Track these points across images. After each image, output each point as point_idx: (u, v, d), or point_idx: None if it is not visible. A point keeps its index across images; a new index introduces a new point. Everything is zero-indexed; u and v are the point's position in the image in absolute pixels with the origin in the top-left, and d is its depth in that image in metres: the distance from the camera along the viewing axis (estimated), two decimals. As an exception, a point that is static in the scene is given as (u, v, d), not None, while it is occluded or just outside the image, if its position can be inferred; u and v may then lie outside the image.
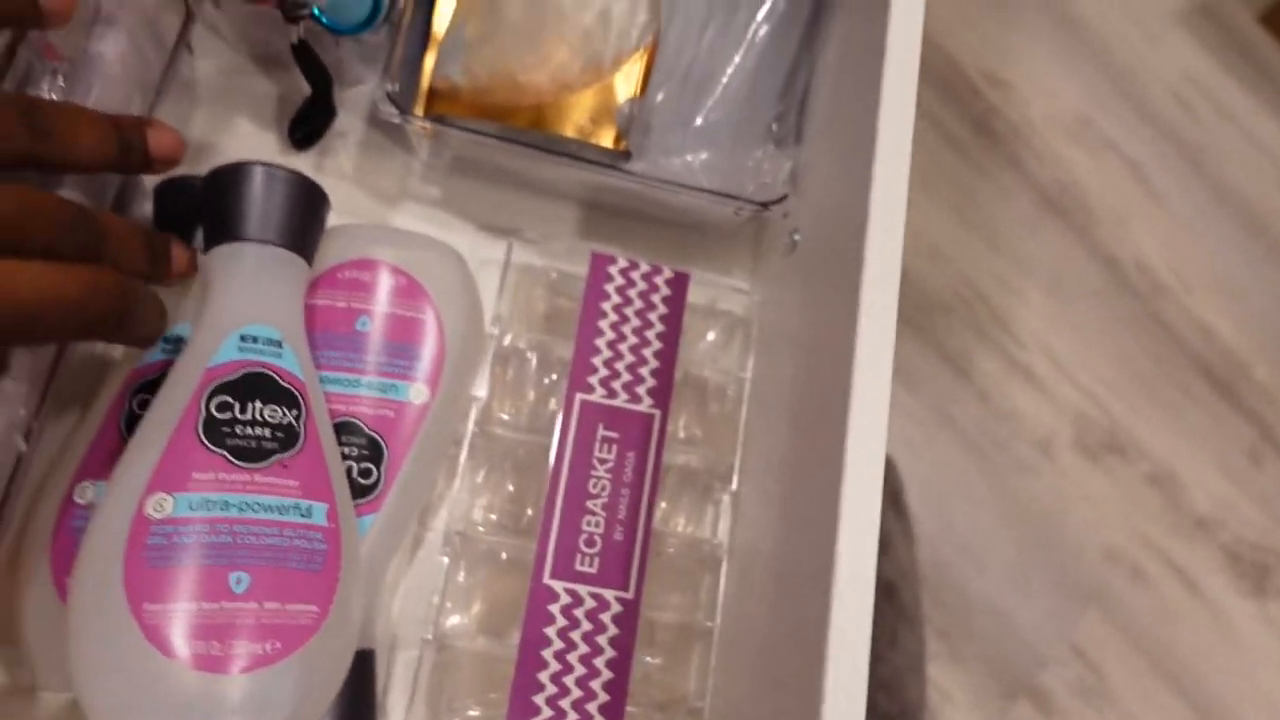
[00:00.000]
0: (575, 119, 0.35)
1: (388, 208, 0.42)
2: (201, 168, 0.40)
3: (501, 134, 0.36)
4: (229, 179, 0.32)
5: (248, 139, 0.41)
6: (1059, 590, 0.74)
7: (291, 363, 0.31)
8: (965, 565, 0.73)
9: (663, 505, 0.38)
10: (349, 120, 0.42)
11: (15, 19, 0.28)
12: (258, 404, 0.29)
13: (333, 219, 0.35)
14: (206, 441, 0.28)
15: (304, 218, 0.33)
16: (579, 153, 0.36)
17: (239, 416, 0.29)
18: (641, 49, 0.36)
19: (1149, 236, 0.84)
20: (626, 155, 0.36)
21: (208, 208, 0.32)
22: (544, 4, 0.35)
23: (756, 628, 0.35)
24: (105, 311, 0.27)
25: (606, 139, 0.36)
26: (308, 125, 0.41)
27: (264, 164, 0.32)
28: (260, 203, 0.32)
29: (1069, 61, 0.88)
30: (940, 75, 0.84)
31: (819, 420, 0.33)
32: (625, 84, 0.36)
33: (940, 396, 0.77)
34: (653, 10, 0.36)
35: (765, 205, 0.39)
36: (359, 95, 0.42)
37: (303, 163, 0.41)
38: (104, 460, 0.32)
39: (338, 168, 0.42)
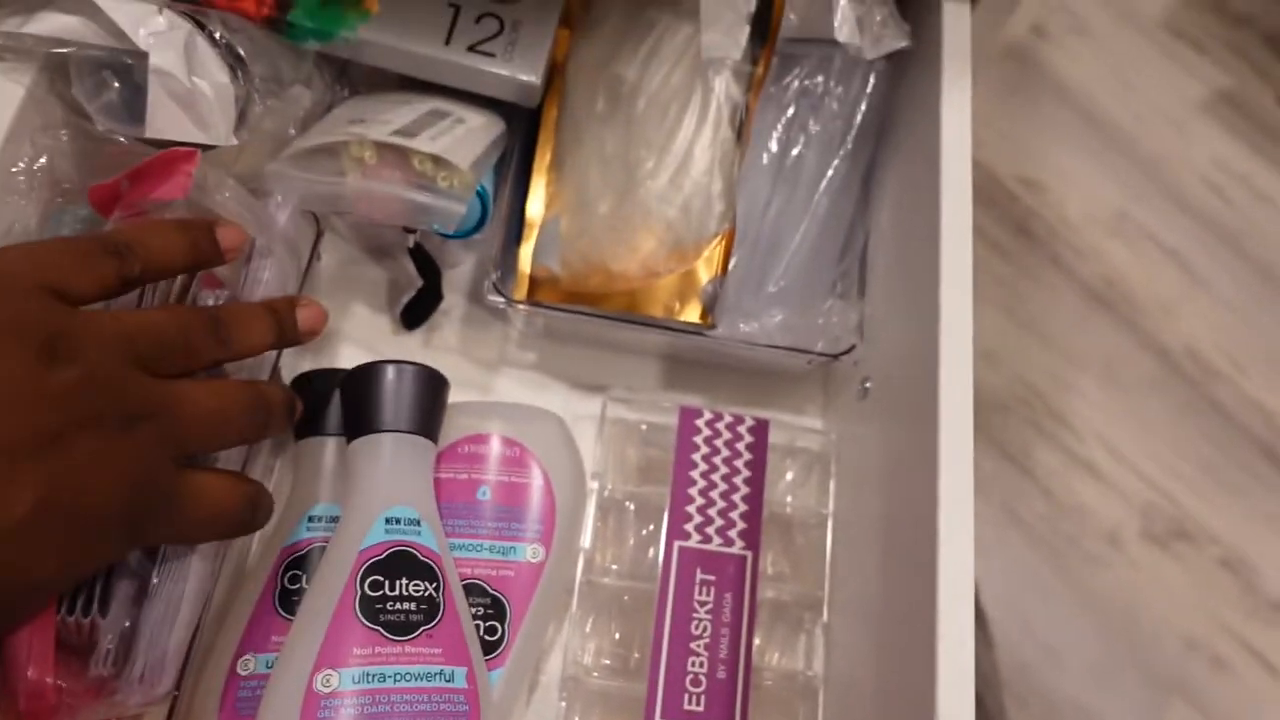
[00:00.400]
0: (664, 300, 0.40)
1: (490, 374, 0.46)
2: (327, 352, 0.45)
3: (598, 316, 0.40)
4: (364, 378, 0.36)
5: (364, 323, 0.46)
6: (1142, 683, 0.74)
7: (429, 539, 0.35)
8: (1045, 664, 0.74)
9: (757, 641, 0.41)
10: (452, 298, 0.47)
11: (205, 263, 0.33)
12: (404, 580, 0.33)
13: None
14: (363, 619, 0.32)
15: (430, 404, 0.37)
16: (668, 325, 0.41)
17: (389, 593, 0.33)
18: (720, 235, 0.40)
19: (1197, 323, 0.86)
20: (711, 327, 0.40)
21: (347, 404, 0.37)
22: (632, 200, 0.40)
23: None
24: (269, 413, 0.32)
25: (693, 315, 0.40)
26: (418, 310, 0.45)
27: (393, 362, 0.37)
28: (392, 396, 0.36)
29: (1100, 158, 0.91)
30: (977, 185, 0.87)
31: (907, 553, 0.36)
32: (707, 266, 0.40)
33: (1005, 496, 0.78)
34: (728, 200, 0.40)
35: (836, 356, 0.43)
36: (459, 275, 0.47)
37: (413, 339, 0.46)
38: (263, 634, 0.36)
39: (444, 342, 0.47)
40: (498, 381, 0.46)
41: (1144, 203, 0.89)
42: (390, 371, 0.36)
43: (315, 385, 0.39)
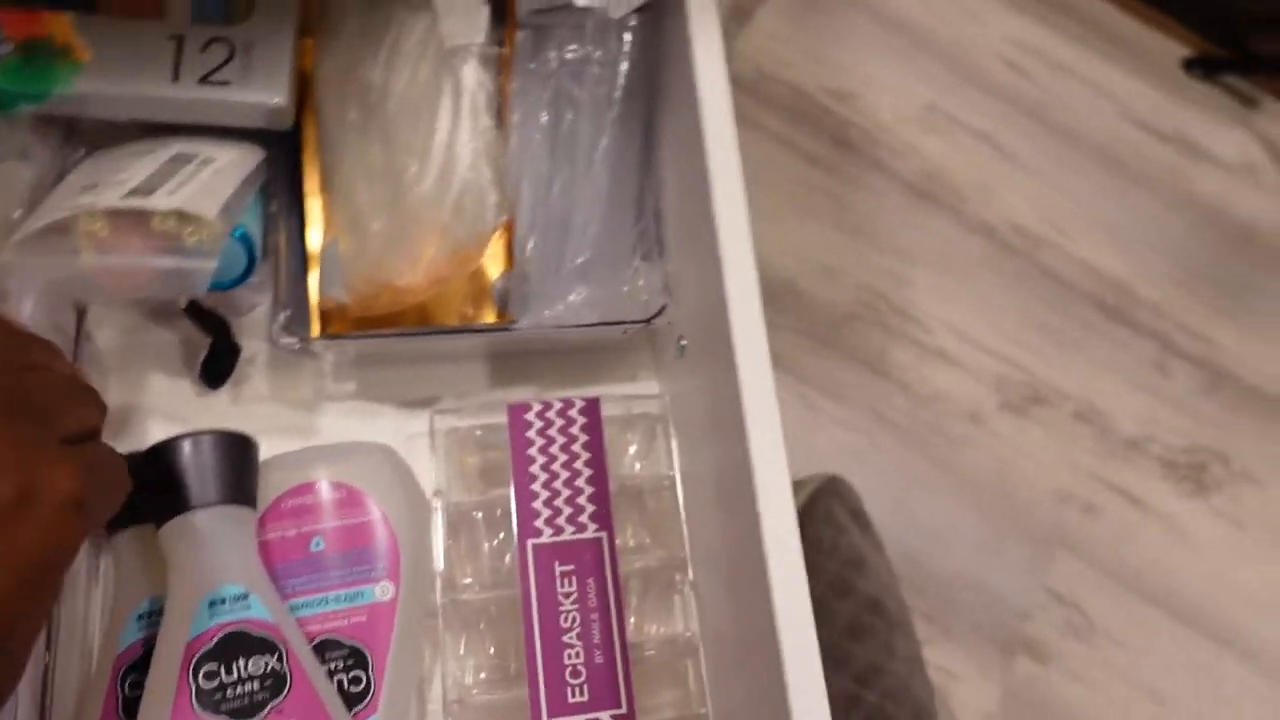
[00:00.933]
0: (456, 306, 0.39)
1: (311, 414, 0.44)
2: (133, 432, 0.43)
3: (395, 335, 0.39)
4: (160, 458, 0.34)
5: (165, 392, 0.44)
6: (1024, 544, 0.79)
7: (260, 610, 0.33)
8: (934, 548, 0.77)
9: (631, 620, 0.41)
10: (254, 345, 0.44)
11: None
12: (241, 662, 0.32)
13: (262, 438, 0.37)
14: (203, 713, 0.31)
15: (238, 469, 0.35)
16: (467, 330, 0.40)
17: (226, 680, 0.31)
18: (498, 227, 0.39)
19: (1015, 197, 0.90)
20: (511, 324, 0.39)
21: (147, 490, 0.35)
22: (402, 211, 0.38)
23: (738, 704, 0.38)
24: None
25: (489, 316, 0.39)
26: (217, 367, 0.43)
27: (188, 435, 0.35)
28: (194, 471, 0.34)
29: (902, 57, 0.93)
30: (789, 105, 0.89)
31: (734, 497, 0.37)
32: (494, 263, 0.39)
33: (869, 400, 0.81)
34: (500, 190, 0.39)
35: (648, 321, 0.43)
36: (257, 318, 0.45)
37: (221, 398, 0.44)
38: (110, 746, 0.34)
39: (255, 392, 0.44)
40: (321, 421, 0.44)
41: (950, 92, 0.92)
42: (186, 446, 0.34)
43: (132, 467, 0.37)
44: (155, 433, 0.43)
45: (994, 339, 0.85)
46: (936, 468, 0.80)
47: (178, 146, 0.40)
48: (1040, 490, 0.81)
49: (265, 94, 0.39)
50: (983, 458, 0.81)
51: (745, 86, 0.88)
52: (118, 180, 0.38)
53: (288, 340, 0.39)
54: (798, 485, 0.72)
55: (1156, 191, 0.94)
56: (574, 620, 0.39)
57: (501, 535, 0.42)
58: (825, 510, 0.69)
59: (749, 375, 0.36)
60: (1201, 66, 0.97)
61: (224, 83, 0.39)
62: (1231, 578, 0.80)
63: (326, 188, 0.41)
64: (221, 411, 0.44)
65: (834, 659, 0.64)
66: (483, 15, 0.38)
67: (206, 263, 0.35)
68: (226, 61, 0.39)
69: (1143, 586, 0.78)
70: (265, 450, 0.40)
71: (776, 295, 0.83)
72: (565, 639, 0.39)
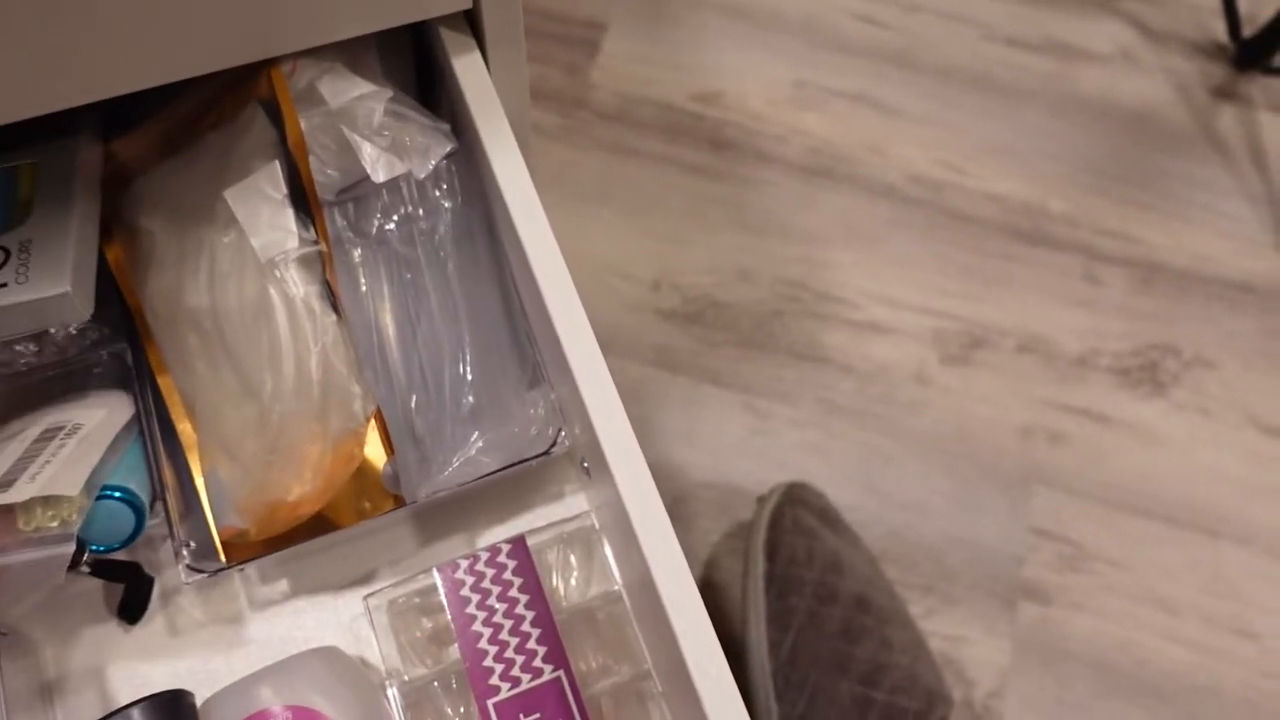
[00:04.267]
0: (353, 505, 0.38)
1: (248, 625, 0.44)
2: (80, 696, 0.43)
3: (303, 543, 0.39)
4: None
5: (99, 644, 0.43)
6: (1000, 490, 0.79)
7: None
8: (914, 519, 0.78)
9: (609, 748, 0.41)
10: (174, 573, 0.44)
11: None
12: None
13: (205, 662, 0.37)
14: None
15: (175, 732, 0.35)
16: (374, 517, 0.39)
17: None
18: (369, 417, 0.39)
19: (907, 149, 0.90)
20: (412, 502, 0.39)
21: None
22: (270, 427, 0.38)
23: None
24: None
25: (387, 505, 0.39)
26: (133, 603, 0.43)
27: (113, 715, 0.34)
28: (130, 751, 0.34)
29: (758, 43, 0.92)
30: (661, 122, 0.88)
31: (652, 607, 0.37)
32: (376, 452, 0.39)
33: (814, 392, 0.81)
34: (360, 381, 0.39)
35: (547, 452, 0.42)
36: (171, 548, 0.45)
37: (158, 631, 0.44)
38: None
39: (189, 618, 0.44)
40: (260, 629, 0.44)
41: (813, 64, 0.91)
42: (114, 729, 0.34)
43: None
44: (104, 688, 0.43)
45: (921, 296, 0.85)
46: (896, 439, 0.80)
47: (45, 421, 0.40)
48: (1002, 433, 0.81)
49: (47, 285, 0.38)
50: (939, 415, 0.81)
51: (613, 116, 0.87)
52: (-19, 474, 0.37)
53: (196, 577, 0.39)
54: (760, 501, 0.72)
55: (1040, 102, 0.94)
56: (551, 769, 0.40)
57: (464, 702, 0.42)
58: (792, 520, 0.69)
59: (629, 489, 0.36)
60: (1054, -33, 0.96)
61: (1, 285, 0.38)
62: (1209, 467, 0.81)
63: (191, 414, 0.41)
64: (159, 645, 0.43)
65: (836, 665, 0.65)
66: (289, 218, 0.37)
67: (67, 546, 0.35)
68: (2, 264, 0.38)
69: (1125, 500, 0.79)
70: (213, 674, 0.40)
71: (699, 313, 0.83)
72: (547, 790, 0.39)
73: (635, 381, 0.77)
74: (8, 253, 0.39)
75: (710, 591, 0.74)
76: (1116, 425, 0.82)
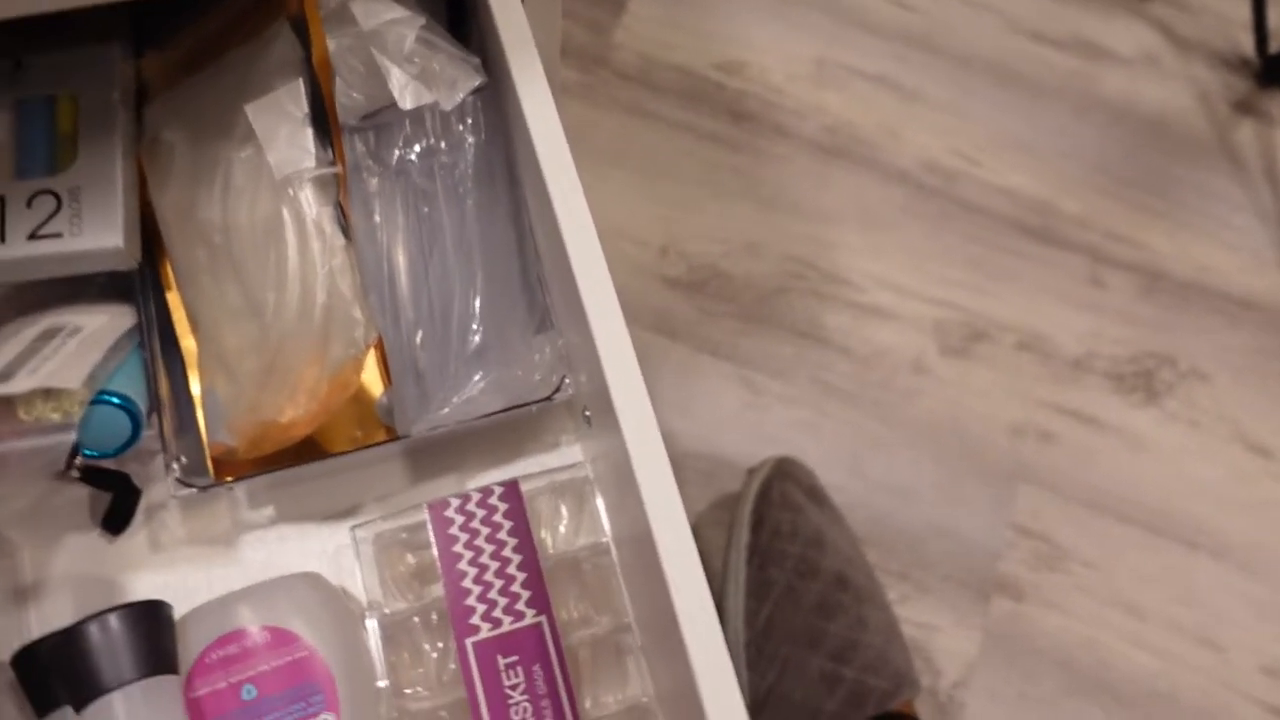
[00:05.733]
0: (346, 432, 0.38)
1: (231, 547, 0.44)
2: (57, 600, 0.42)
3: (291, 468, 0.39)
4: (68, 645, 0.34)
5: (81, 553, 0.43)
6: (986, 484, 0.80)
7: (198, 782, 0.33)
8: (898, 506, 0.78)
9: (589, 699, 0.41)
10: (161, 488, 0.44)
11: None
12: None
13: (185, 579, 0.37)
14: None
15: (151, 639, 0.35)
16: (365, 447, 0.39)
17: None
18: (370, 345, 0.38)
19: (924, 135, 0.89)
20: (405, 436, 0.39)
21: (60, 681, 0.35)
22: (270, 348, 0.38)
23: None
24: None
25: (379, 435, 0.39)
26: (118, 515, 0.43)
27: (92, 617, 0.34)
28: (105, 653, 0.34)
29: (784, 17, 0.91)
30: (681, 88, 0.87)
31: (646, 560, 0.37)
32: (373, 381, 0.39)
33: (811, 371, 0.81)
34: (363, 307, 0.38)
35: (549, 398, 0.42)
36: (161, 464, 0.44)
37: (140, 545, 0.44)
38: None
39: (170, 535, 0.44)
40: (243, 552, 0.44)
41: (837, 41, 0.90)
42: (92, 629, 0.34)
43: (46, 655, 0.37)
44: (80, 597, 0.42)
45: (927, 284, 0.85)
46: (888, 425, 0.80)
47: (46, 321, 0.39)
48: (994, 427, 0.81)
49: (99, 239, 0.38)
50: (933, 405, 0.81)
51: (634, 78, 0.86)
52: (-21, 367, 0.37)
53: (185, 491, 0.39)
54: (750, 473, 0.72)
55: (1061, 100, 0.93)
56: (526, 711, 0.40)
57: (442, 639, 0.42)
58: (780, 493, 0.69)
59: (634, 436, 0.36)
60: (1088, -34, 0.95)
61: (55, 234, 0.38)
62: (1193, 478, 0.81)
63: (195, 329, 0.40)
64: (140, 558, 0.43)
65: (808, 640, 0.65)
66: (308, 138, 0.36)
67: (67, 435, 0.35)
68: (55, 213, 0.38)
69: (1107, 504, 0.80)
70: (192, 592, 0.40)
71: (704, 282, 0.83)
72: (520, 731, 0.40)
73: (635, 346, 0.76)
74: (59, 201, 0.38)
75: (690, 559, 0.74)
76: (1107, 430, 0.82)
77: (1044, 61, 0.94)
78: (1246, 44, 0.97)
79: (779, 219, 0.85)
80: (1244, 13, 0.95)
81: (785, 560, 0.66)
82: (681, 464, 0.77)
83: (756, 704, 0.64)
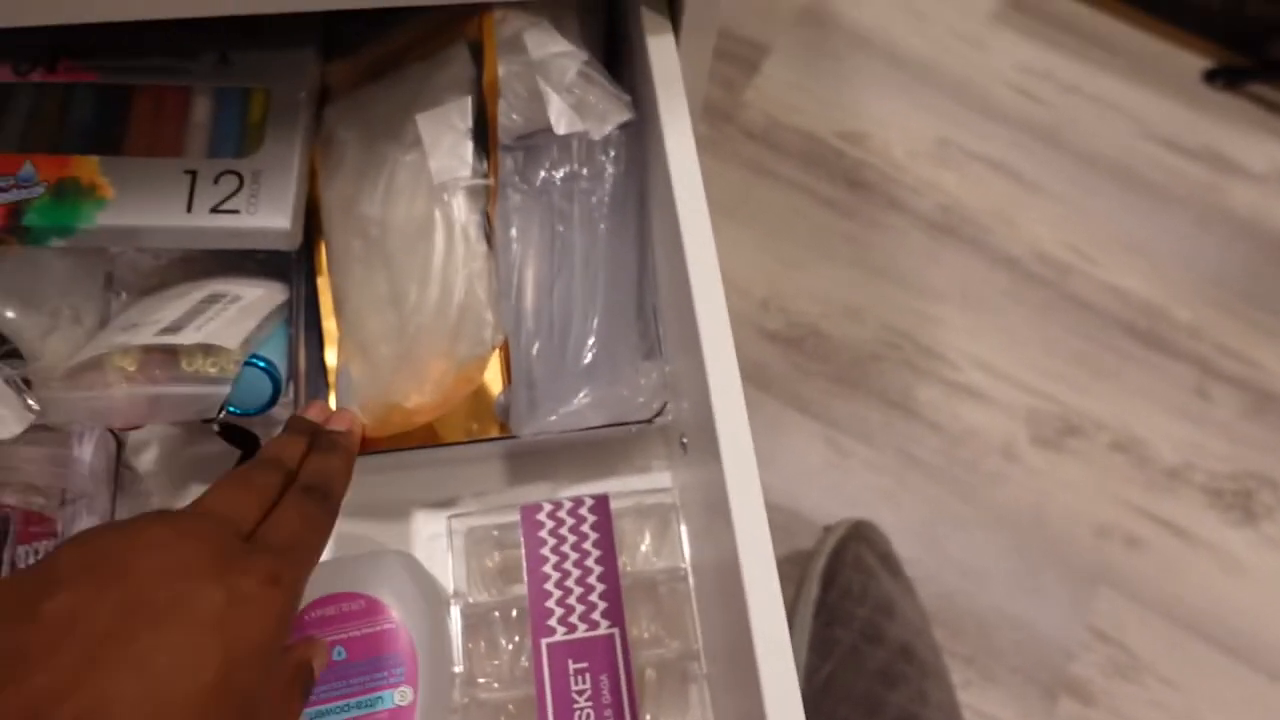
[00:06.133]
0: (462, 424, 0.41)
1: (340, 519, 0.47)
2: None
3: (410, 450, 0.41)
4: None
5: (200, 503, 0.47)
6: (1065, 581, 0.78)
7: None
8: (971, 588, 0.77)
9: (648, 716, 0.42)
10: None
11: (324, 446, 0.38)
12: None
13: None
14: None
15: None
16: (475, 441, 0.42)
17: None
18: (496, 347, 0.41)
19: (1037, 225, 0.90)
20: (515, 436, 0.41)
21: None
22: (405, 336, 0.41)
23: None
24: None
25: (493, 431, 0.41)
26: (245, 477, 0.46)
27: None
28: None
29: (911, 94, 0.93)
30: (803, 151, 0.89)
31: (729, 591, 0.38)
32: (494, 380, 0.41)
33: (898, 441, 0.81)
34: (495, 312, 0.41)
35: (650, 421, 0.44)
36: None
37: (253, 505, 0.47)
38: None
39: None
40: (345, 526, 0.46)
41: (961, 125, 0.91)
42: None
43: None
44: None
45: (1024, 372, 0.84)
46: (970, 505, 0.80)
47: (212, 288, 0.43)
48: (1079, 524, 0.80)
49: (270, 219, 0.42)
50: (1018, 493, 0.81)
51: (757, 136, 0.89)
52: (153, 320, 0.41)
53: (308, 460, 0.42)
54: (826, 531, 0.72)
55: (1185, 208, 0.92)
56: (588, 717, 0.41)
57: (518, 635, 0.44)
58: (854, 555, 0.69)
59: (734, 471, 0.37)
60: (1223, 76, 0.95)
61: (234, 211, 0.42)
62: (1278, 602, 0.78)
63: (339, 312, 0.44)
64: (255, 520, 0.47)
65: (868, 707, 0.65)
66: (468, 150, 0.40)
67: (220, 389, 0.38)
68: (236, 191, 0.42)
69: (1190, 621, 0.77)
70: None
71: (801, 339, 0.84)
72: (581, 735, 0.41)
73: (725, 391, 0.78)
74: (241, 180, 0.42)
75: (754, 610, 0.74)
76: (1198, 544, 0.80)
77: (1172, 169, 0.94)
78: (1386, 174, 0.95)
79: (883, 288, 0.86)
80: (1386, 142, 0.94)
81: (853, 622, 0.66)
82: (757, 515, 0.77)
83: (805, 763, 0.64)
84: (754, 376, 0.82)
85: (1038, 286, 0.87)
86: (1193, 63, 0.96)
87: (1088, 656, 0.75)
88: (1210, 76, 0.95)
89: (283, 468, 0.35)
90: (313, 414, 0.40)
